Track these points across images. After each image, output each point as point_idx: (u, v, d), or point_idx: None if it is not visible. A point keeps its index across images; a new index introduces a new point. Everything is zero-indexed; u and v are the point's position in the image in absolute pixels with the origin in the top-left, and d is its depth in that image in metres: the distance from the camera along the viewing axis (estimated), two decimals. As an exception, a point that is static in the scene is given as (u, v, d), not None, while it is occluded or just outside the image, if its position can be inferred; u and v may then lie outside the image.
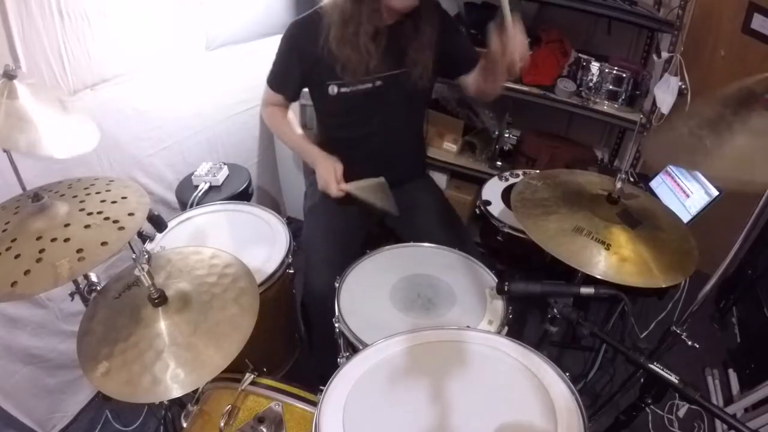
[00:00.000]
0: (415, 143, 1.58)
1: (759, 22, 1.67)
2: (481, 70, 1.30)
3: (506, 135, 2.16)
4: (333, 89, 1.29)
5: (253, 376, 0.93)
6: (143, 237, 1.15)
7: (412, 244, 1.32)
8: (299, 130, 1.43)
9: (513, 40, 0.94)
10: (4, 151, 1.04)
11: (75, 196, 0.91)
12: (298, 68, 1.31)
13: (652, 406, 0.93)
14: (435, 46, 1.29)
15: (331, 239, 1.39)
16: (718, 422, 1.62)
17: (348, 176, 1.39)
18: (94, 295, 0.98)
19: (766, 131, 0.66)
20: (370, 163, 1.36)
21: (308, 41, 1.25)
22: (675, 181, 1.61)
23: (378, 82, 1.29)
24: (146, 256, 0.82)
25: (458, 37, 1.40)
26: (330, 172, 1.28)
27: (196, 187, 1.67)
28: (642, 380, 0.91)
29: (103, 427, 1.57)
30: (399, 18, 1.24)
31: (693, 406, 1.54)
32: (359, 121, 1.37)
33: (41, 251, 0.78)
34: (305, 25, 1.28)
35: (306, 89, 1.41)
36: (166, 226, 1.17)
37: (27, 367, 1.39)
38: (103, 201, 0.90)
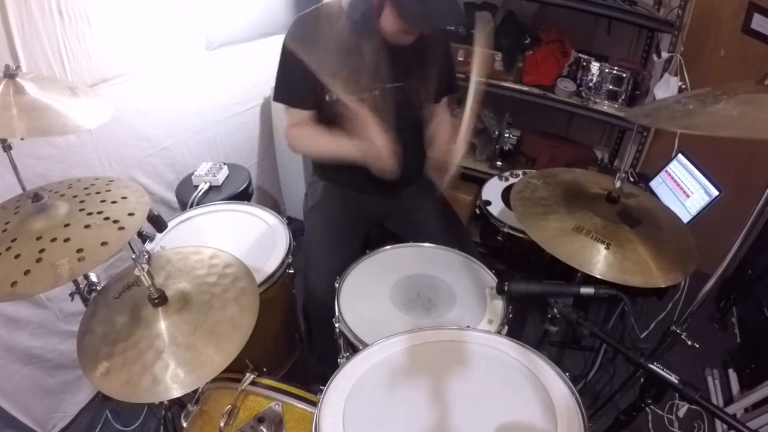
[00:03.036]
0: (415, 151, 1.51)
1: (759, 22, 1.67)
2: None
3: (506, 135, 2.17)
4: (331, 96, 1.26)
5: (253, 376, 0.93)
6: (143, 237, 1.15)
7: (412, 244, 1.32)
8: (331, 135, 1.29)
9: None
10: (5, 150, 1.05)
11: (75, 196, 0.91)
12: (303, 69, 1.23)
13: (652, 406, 0.93)
14: (435, 65, 1.28)
15: (331, 240, 1.38)
16: (718, 422, 1.61)
17: (347, 181, 1.39)
18: (94, 295, 0.98)
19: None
20: (368, 171, 1.34)
21: (312, 42, 1.24)
22: (675, 181, 1.61)
23: (376, 92, 1.26)
24: (146, 256, 0.82)
25: (449, 65, 1.40)
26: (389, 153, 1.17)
27: (196, 187, 1.67)
28: (642, 380, 0.90)
29: (103, 427, 1.57)
30: None
31: (693, 406, 1.54)
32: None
33: (41, 251, 0.78)
34: (309, 24, 1.25)
35: None
36: (166, 226, 1.17)
37: (27, 367, 1.39)
38: (103, 201, 0.90)
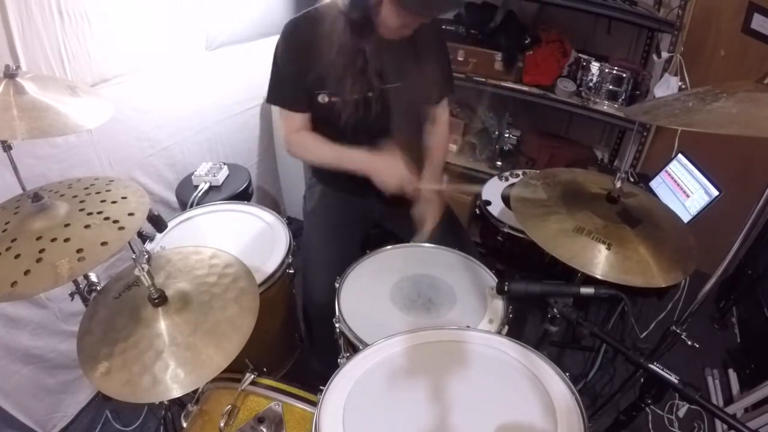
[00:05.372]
0: (413, 153, 1.53)
1: (759, 22, 1.67)
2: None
3: (506, 135, 2.17)
4: (323, 98, 1.25)
5: (253, 376, 0.93)
6: (143, 237, 1.15)
7: (412, 244, 1.32)
8: (334, 146, 1.29)
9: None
10: (5, 150, 1.05)
11: (75, 196, 0.91)
12: (298, 71, 1.26)
13: (652, 406, 0.93)
14: (429, 64, 1.27)
15: (331, 240, 1.38)
16: (718, 422, 1.61)
17: (344, 185, 1.38)
18: (94, 295, 0.98)
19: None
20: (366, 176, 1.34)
21: (305, 42, 1.24)
22: (675, 181, 1.61)
23: (369, 94, 1.25)
24: (146, 256, 0.82)
25: (444, 63, 1.39)
26: (398, 171, 1.21)
27: (196, 187, 1.67)
28: (642, 380, 0.90)
29: (103, 427, 1.57)
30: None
31: (693, 406, 1.54)
32: (351, 131, 1.32)
33: (41, 251, 0.78)
34: (302, 25, 1.24)
35: None
36: (166, 226, 1.17)
37: (27, 367, 1.39)
38: (103, 201, 0.90)
